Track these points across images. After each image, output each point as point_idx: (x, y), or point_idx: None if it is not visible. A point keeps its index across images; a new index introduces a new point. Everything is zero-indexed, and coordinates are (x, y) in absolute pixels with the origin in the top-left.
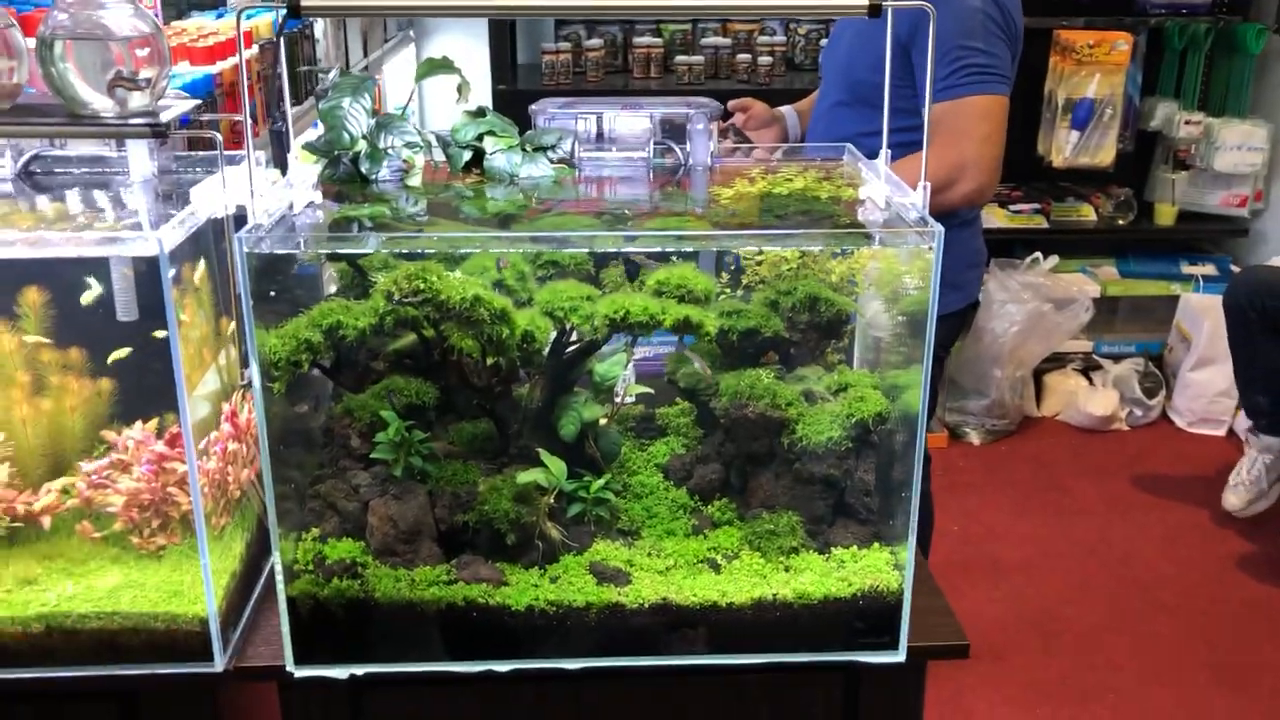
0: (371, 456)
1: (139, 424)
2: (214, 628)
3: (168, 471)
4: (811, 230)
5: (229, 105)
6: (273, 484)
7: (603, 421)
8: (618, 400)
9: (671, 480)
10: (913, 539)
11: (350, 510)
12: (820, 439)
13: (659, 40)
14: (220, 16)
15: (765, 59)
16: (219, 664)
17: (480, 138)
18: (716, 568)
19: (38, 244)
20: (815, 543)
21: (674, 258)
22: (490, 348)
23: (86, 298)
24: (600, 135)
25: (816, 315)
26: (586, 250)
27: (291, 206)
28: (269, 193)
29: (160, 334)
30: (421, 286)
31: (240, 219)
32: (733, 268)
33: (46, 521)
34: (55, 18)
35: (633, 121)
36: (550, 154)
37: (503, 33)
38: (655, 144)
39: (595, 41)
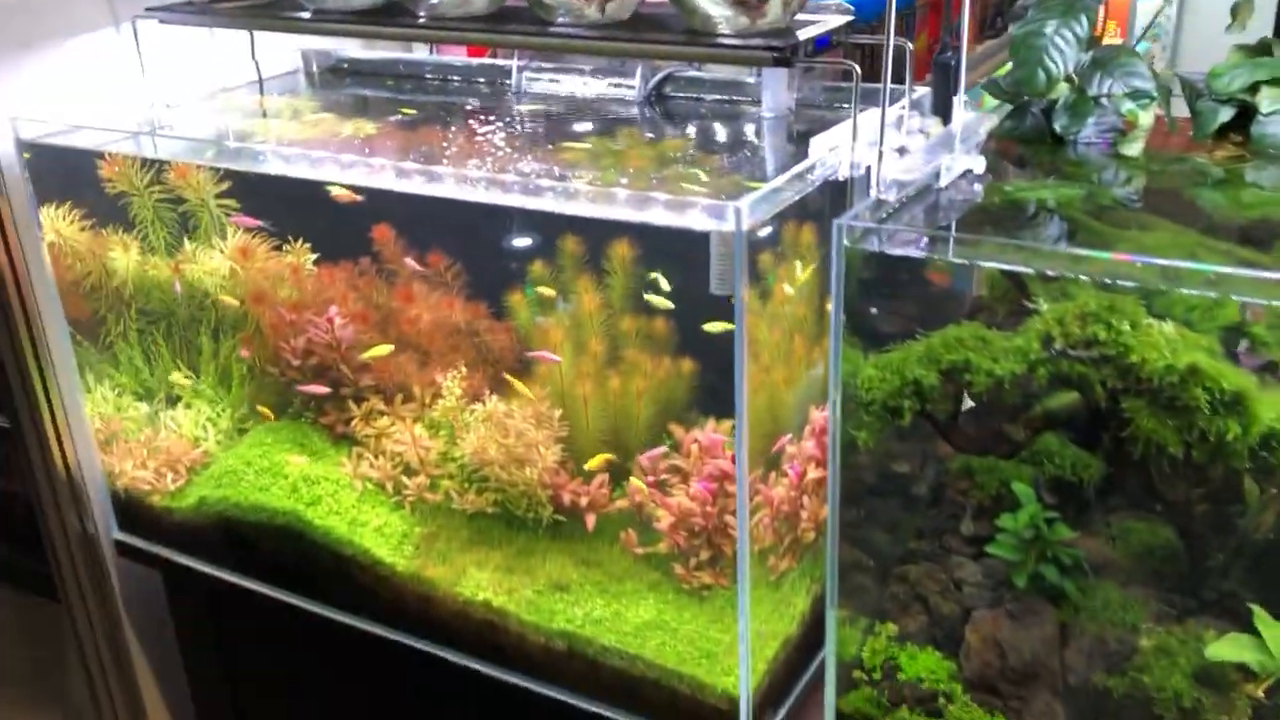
0: (988, 549)
1: (711, 423)
2: (744, 709)
3: (730, 494)
4: None
5: (930, 24)
6: (837, 550)
7: None
8: None
9: None
10: None
11: (945, 614)
12: None
13: None
14: None
15: None
16: None
17: (1254, 89)
18: None
19: (594, 200)
20: None
21: None
22: (1199, 446)
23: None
24: None
25: None
26: None
27: (940, 174)
28: (912, 151)
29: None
30: (1101, 336)
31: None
32: None
33: (591, 521)
34: None
35: None
36: None
37: None
38: None
39: None
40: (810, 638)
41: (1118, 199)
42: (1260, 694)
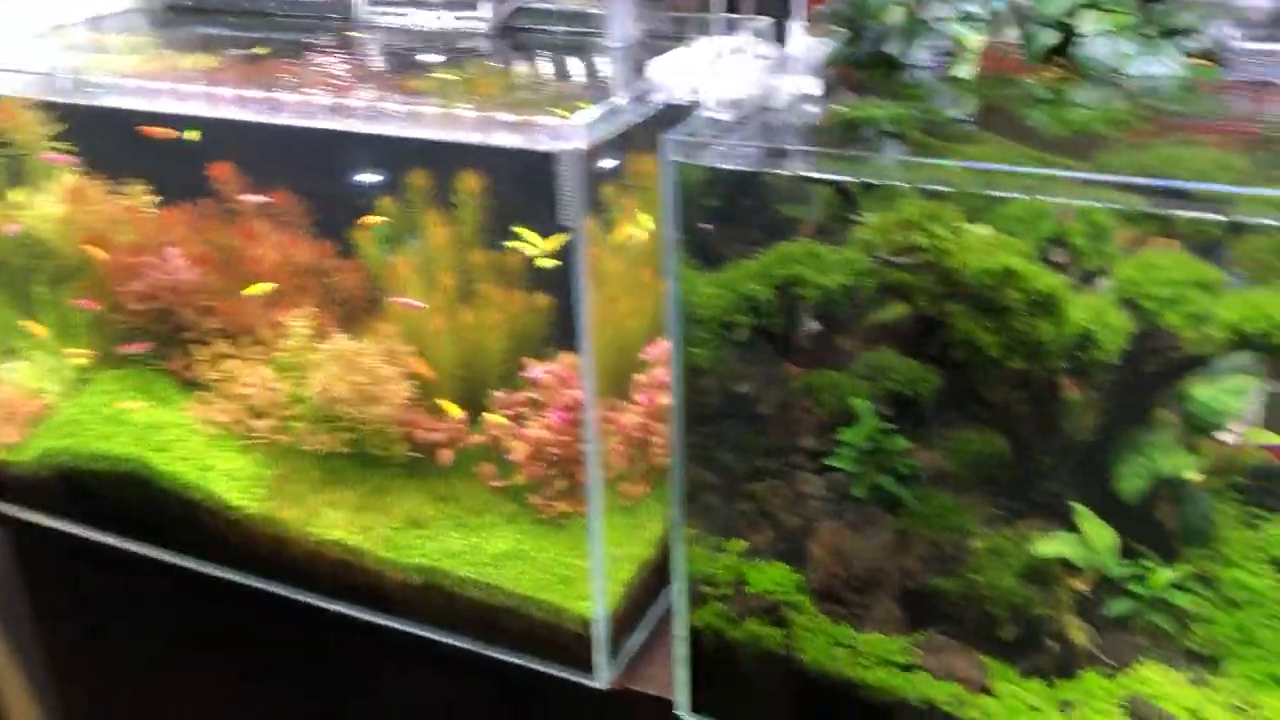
0: (828, 462)
1: (566, 355)
2: (599, 633)
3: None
4: None
5: None
6: (682, 469)
7: (1190, 478)
8: (1222, 446)
9: None
10: None
11: (790, 526)
12: None
13: None
14: None
15: None
16: (599, 678)
17: (1074, 11)
18: None
19: (434, 124)
20: None
21: None
22: (1018, 348)
23: None
24: None
25: None
26: (1213, 212)
27: (774, 96)
28: (748, 76)
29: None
30: (921, 243)
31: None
32: None
33: (447, 456)
34: None
35: None
36: (1185, 42)
37: None
38: None
39: None
40: (667, 560)
41: (948, 118)
42: (1083, 586)
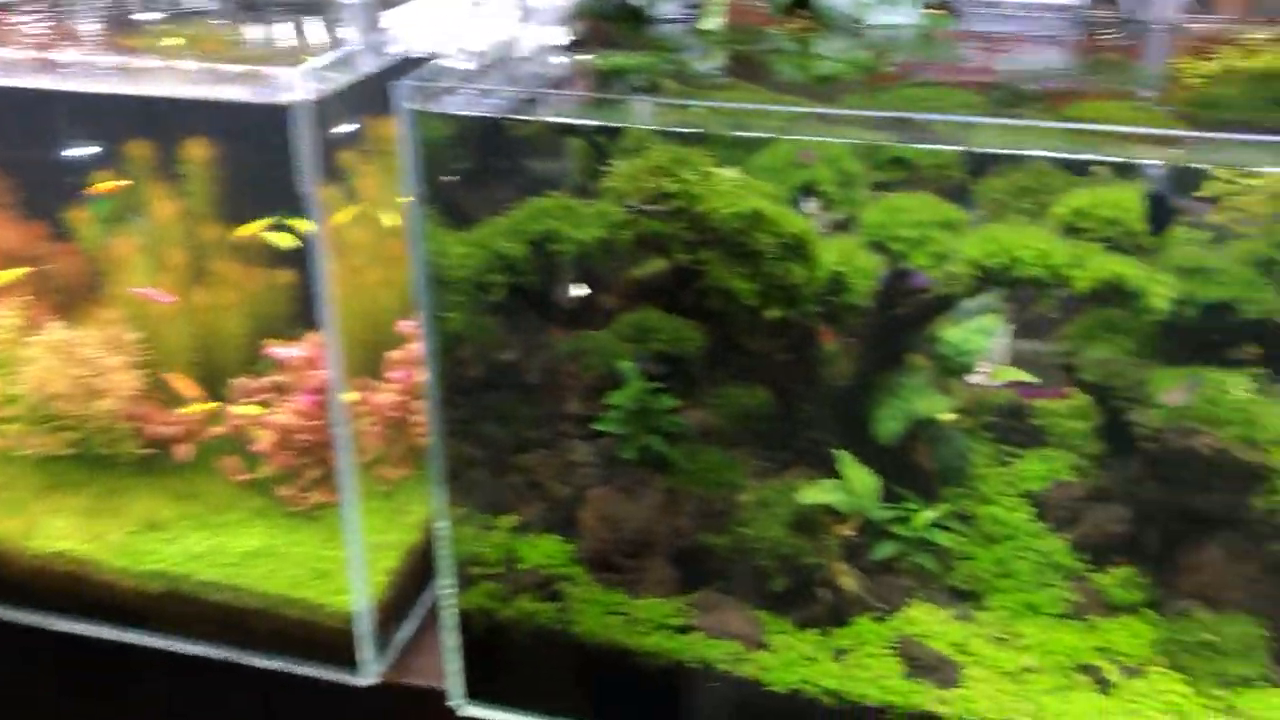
0: (595, 427)
1: (312, 336)
2: (362, 628)
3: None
4: None
5: None
6: (443, 445)
7: (945, 419)
8: (973, 386)
9: (1048, 522)
10: None
11: (561, 496)
12: None
13: None
14: None
15: None
16: (365, 675)
17: None
18: (1105, 686)
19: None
20: None
21: (1095, 171)
22: (773, 293)
23: None
24: None
25: None
26: (955, 147)
27: (515, 48)
28: (490, 26)
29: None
30: (670, 189)
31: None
32: (1188, 199)
33: (185, 451)
34: None
35: None
36: None
37: None
38: None
39: None
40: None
41: (698, 69)
42: (849, 531)
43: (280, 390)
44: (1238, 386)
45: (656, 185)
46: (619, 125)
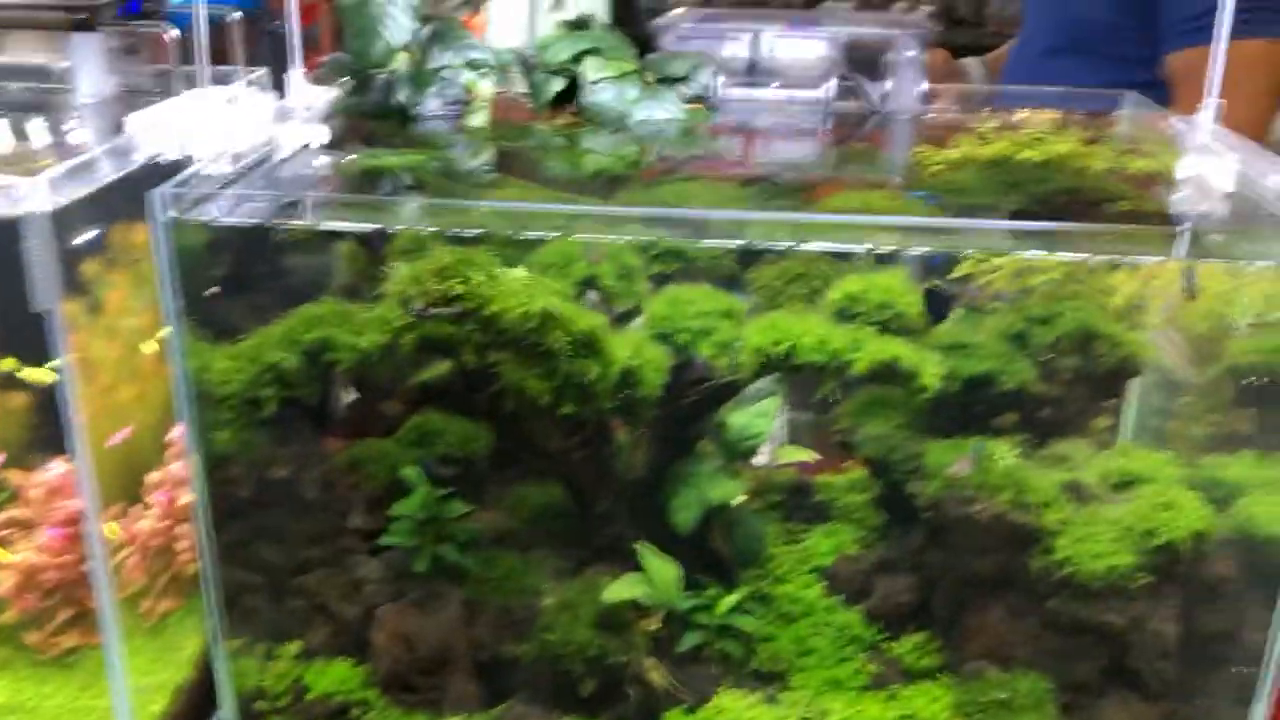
0: (382, 541)
1: (58, 463)
2: None
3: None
4: (1121, 227)
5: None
6: (216, 573)
7: (738, 501)
8: (760, 467)
9: (839, 594)
10: None
11: (349, 618)
12: (1096, 567)
13: None
14: None
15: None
16: None
17: (578, 59)
18: None
19: None
20: None
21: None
22: (567, 391)
23: None
24: (755, 65)
25: (1090, 360)
26: (727, 241)
27: (273, 149)
28: (245, 128)
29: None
30: (458, 291)
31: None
32: (942, 279)
33: None
34: None
35: (804, 46)
36: (682, 88)
37: None
38: (837, 80)
39: None
40: (210, 678)
41: (468, 166)
42: (655, 626)
43: (21, 525)
44: (1005, 454)
45: (443, 288)
46: (392, 228)
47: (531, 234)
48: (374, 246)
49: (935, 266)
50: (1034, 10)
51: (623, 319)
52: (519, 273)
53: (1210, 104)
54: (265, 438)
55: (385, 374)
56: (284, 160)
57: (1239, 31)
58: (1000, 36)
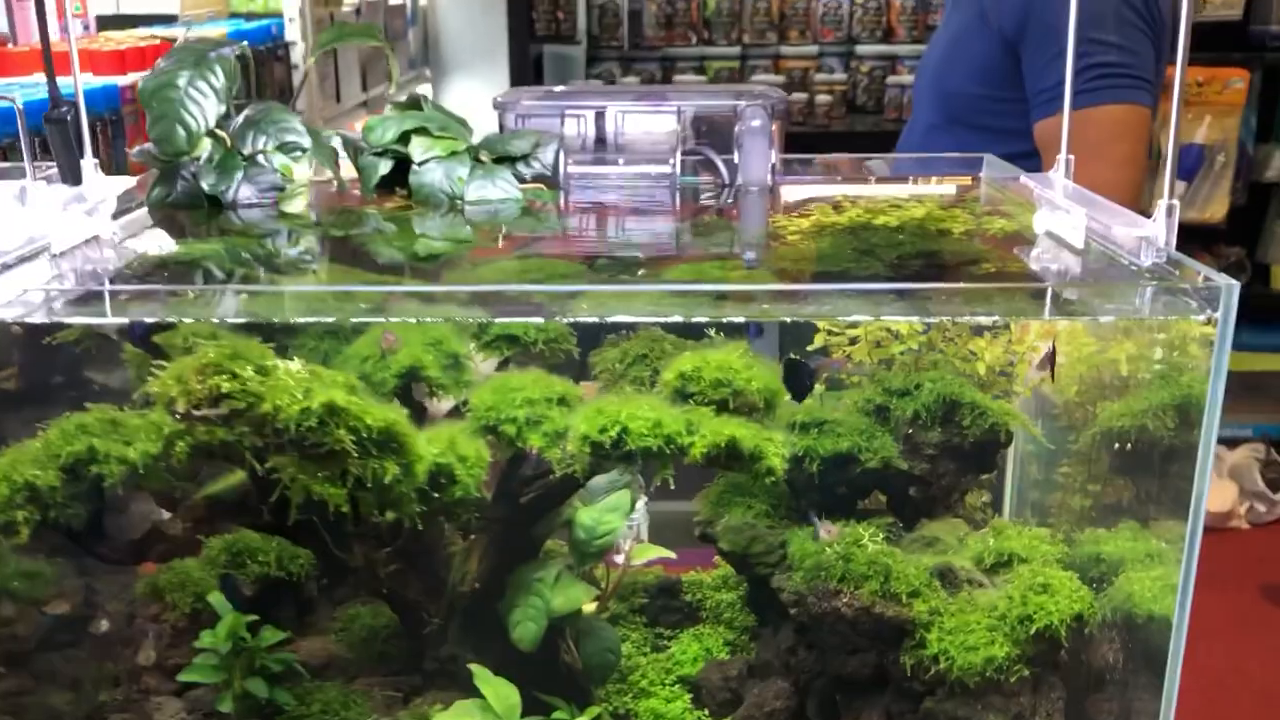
0: (181, 678)
1: None
2: None
3: None
4: (980, 286)
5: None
6: None
7: (588, 609)
8: (617, 565)
9: (707, 707)
10: None
11: None
12: (971, 660)
13: (702, 79)
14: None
15: (824, 98)
16: None
17: (405, 139)
18: None
19: None
20: None
21: (709, 334)
22: (366, 496)
23: None
24: (601, 140)
25: (956, 432)
26: (562, 318)
27: (59, 243)
28: (29, 221)
29: None
30: (225, 388)
31: None
32: (803, 354)
33: None
34: None
35: (651, 120)
36: (522, 168)
37: (526, 73)
38: (685, 153)
39: (631, 79)
40: None
41: (283, 255)
42: None
43: None
44: (870, 538)
45: (210, 386)
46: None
47: (330, 319)
48: (158, 346)
49: (792, 340)
50: (916, 89)
51: (453, 416)
52: (296, 365)
53: (1061, 161)
54: (35, 567)
55: (169, 487)
56: (62, 253)
57: (1100, 98)
58: (900, 123)
